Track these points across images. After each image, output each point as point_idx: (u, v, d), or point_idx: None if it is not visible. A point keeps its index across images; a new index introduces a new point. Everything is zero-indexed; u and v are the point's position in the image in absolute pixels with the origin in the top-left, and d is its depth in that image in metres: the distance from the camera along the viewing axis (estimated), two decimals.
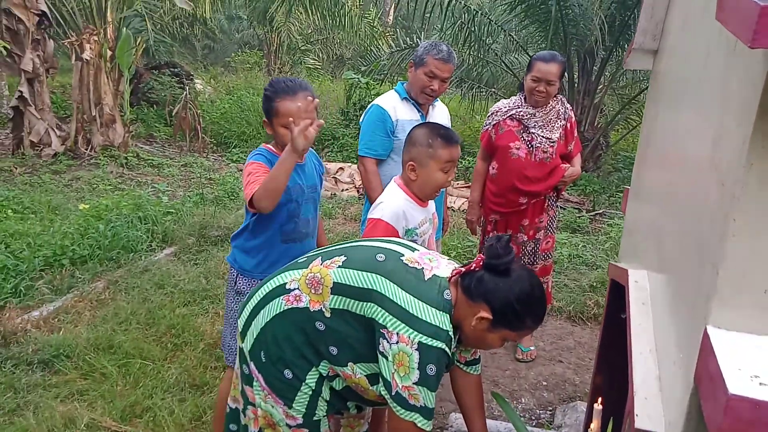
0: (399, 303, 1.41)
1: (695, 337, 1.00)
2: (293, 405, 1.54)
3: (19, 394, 2.51)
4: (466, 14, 7.25)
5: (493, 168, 3.07)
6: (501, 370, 3.06)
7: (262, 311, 1.58)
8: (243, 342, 1.62)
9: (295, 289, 1.54)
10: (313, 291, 1.51)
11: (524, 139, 2.97)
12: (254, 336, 1.57)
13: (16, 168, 6.40)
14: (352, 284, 1.47)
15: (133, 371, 2.72)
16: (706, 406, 0.84)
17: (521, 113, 2.97)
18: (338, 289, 1.48)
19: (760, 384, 0.77)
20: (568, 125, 3.02)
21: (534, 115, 2.95)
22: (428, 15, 7.30)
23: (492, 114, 3.10)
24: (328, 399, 1.57)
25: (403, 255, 1.53)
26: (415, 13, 7.49)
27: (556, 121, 2.97)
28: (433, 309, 1.41)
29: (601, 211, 6.20)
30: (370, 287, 1.45)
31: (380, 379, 1.45)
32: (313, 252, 1.70)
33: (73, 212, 4.81)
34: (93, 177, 6.32)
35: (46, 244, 3.93)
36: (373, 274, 1.47)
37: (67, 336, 2.96)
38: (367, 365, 1.49)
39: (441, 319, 1.41)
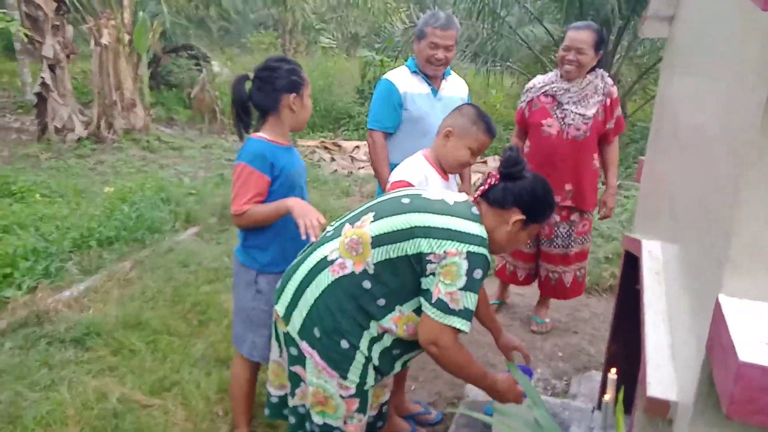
0: (441, 226, 1.53)
1: (707, 305, 1.01)
2: (348, 375, 1.63)
3: (53, 371, 2.61)
4: None
5: (527, 146, 3.02)
6: None
7: (308, 289, 1.64)
8: (287, 325, 1.67)
9: (337, 258, 1.61)
10: (354, 253, 1.59)
11: (557, 116, 2.88)
12: (303, 314, 1.63)
13: (42, 153, 6.55)
14: (391, 231, 1.57)
15: (161, 347, 2.81)
16: (718, 373, 0.84)
17: (555, 89, 2.89)
18: (378, 240, 1.57)
19: None
20: (608, 101, 2.87)
21: (568, 91, 2.86)
22: None
23: (527, 91, 3.04)
24: (377, 365, 1.66)
25: (422, 193, 1.67)
26: None
27: (593, 96, 2.85)
28: (471, 222, 1.56)
29: (618, 183, 6.12)
30: (410, 226, 1.55)
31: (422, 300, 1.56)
32: (336, 222, 1.76)
33: (99, 195, 4.94)
34: (116, 160, 6.45)
35: (74, 227, 4.05)
36: (407, 214, 1.58)
37: (96, 314, 3.06)
38: (413, 302, 1.60)
39: (480, 230, 1.56)
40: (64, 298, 3.25)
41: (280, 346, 1.78)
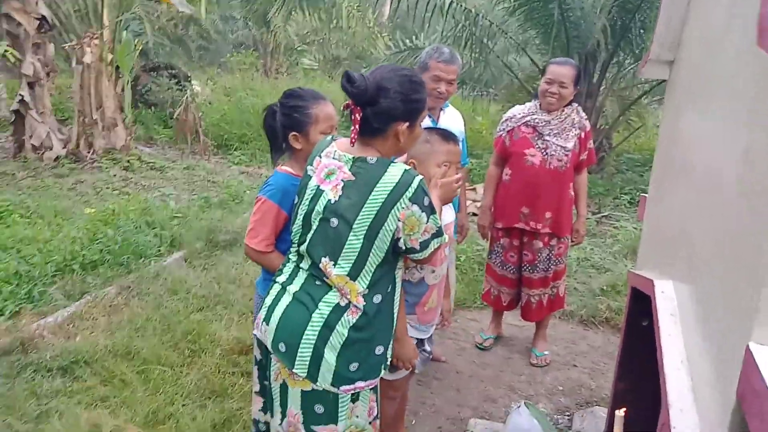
0: (380, 202, 1.53)
1: (735, 352, 1.03)
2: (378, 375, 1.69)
3: (42, 401, 2.51)
4: (465, 17, 7.27)
5: (507, 174, 3.10)
6: (516, 375, 3.09)
7: (332, 336, 1.58)
8: (315, 382, 1.60)
9: (348, 304, 1.60)
10: (349, 293, 1.60)
11: (539, 147, 2.98)
12: (334, 362, 1.59)
13: (19, 172, 6.38)
14: (356, 255, 1.57)
15: (153, 378, 2.73)
16: (753, 422, 0.86)
17: (536, 120, 2.99)
18: (356, 272, 1.59)
19: None
20: (583, 134, 3.02)
21: (549, 123, 2.97)
22: (428, 15, 7.30)
23: (506, 120, 3.12)
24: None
25: (332, 199, 1.59)
26: (416, 14, 7.48)
27: (571, 130, 2.98)
28: (389, 171, 1.54)
29: (606, 214, 6.25)
30: (362, 239, 1.56)
31: (411, 259, 1.68)
32: (300, 249, 1.70)
33: (80, 217, 4.81)
34: (96, 180, 6.31)
35: (56, 250, 3.92)
36: (353, 231, 1.56)
37: (84, 342, 2.96)
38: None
39: (397, 168, 1.55)
40: (48, 325, 3.13)
41: (285, 411, 1.67)
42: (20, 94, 6.85)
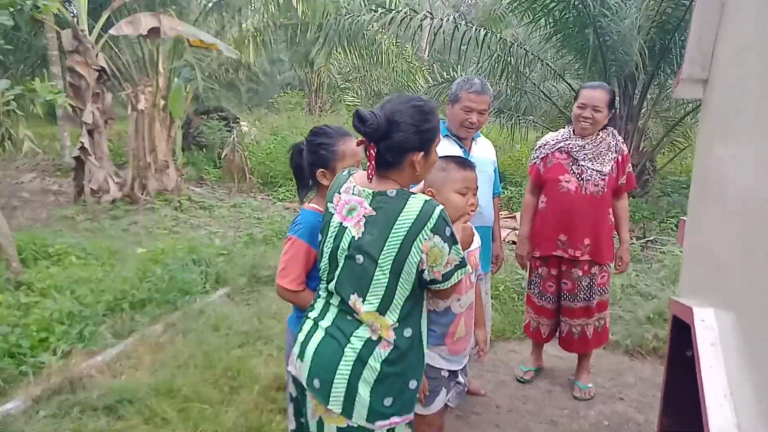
0: (402, 235, 1.54)
1: None
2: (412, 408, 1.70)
3: None
4: (501, 46, 7.30)
5: (543, 202, 3.05)
6: (559, 409, 2.97)
7: (365, 371, 1.58)
8: (351, 419, 1.59)
9: (379, 338, 1.60)
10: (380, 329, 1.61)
11: (574, 172, 2.92)
12: (368, 398, 1.58)
13: (78, 215, 6.73)
14: (385, 288, 1.58)
15: (193, 416, 2.76)
16: None
17: (570, 145, 2.94)
18: (384, 306, 1.59)
19: None
20: (620, 158, 2.95)
21: (583, 147, 2.91)
22: (464, 48, 7.38)
23: (540, 147, 3.09)
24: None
25: (355, 236, 1.61)
26: (451, 46, 7.57)
27: (607, 154, 2.91)
28: (409, 204, 1.56)
29: (652, 238, 6.01)
30: (388, 269, 1.57)
31: (432, 290, 1.65)
32: (328, 286, 1.71)
33: (132, 256, 5.01)
34: (149, 221, 6.58)
35: (108, 289, 4.09)
36: (378, 268, 1.57)
37: (129, 381, 3.04)
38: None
39: (418, 200, 1.57)
40: (97, 364, 3.24)
41: None
42: (81, 141, 7.29)
